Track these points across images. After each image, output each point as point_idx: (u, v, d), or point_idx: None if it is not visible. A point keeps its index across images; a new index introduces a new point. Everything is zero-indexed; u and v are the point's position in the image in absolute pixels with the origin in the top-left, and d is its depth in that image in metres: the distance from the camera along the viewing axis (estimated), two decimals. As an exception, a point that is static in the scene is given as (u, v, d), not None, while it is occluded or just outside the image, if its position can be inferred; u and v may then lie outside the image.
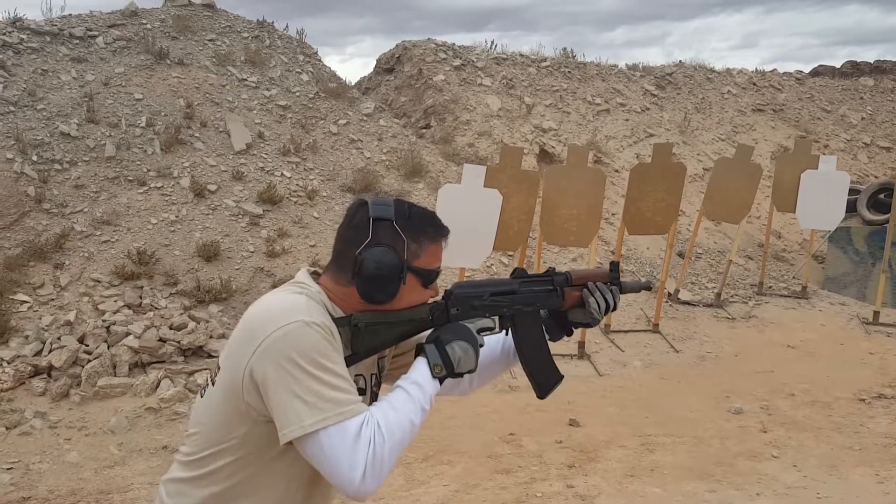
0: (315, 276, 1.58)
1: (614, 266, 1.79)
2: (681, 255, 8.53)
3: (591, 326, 1.79)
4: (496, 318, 1.65)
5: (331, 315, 1.48)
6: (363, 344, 1.49)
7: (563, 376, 1.73)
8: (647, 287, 1.90)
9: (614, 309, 1.77)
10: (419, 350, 1.53)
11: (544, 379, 1.72)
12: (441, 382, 1.50)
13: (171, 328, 5.78)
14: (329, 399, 1.35)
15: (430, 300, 1.59)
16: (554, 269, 1.75)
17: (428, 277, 1.55)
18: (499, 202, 5.94)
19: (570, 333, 1.81)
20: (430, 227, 1.55)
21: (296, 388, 1.34)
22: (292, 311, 1.40)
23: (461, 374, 1.53)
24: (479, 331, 1.59)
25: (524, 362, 1.71)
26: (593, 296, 1.73)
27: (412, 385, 1.46)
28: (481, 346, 1.57)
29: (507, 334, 1.71)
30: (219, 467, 1.48)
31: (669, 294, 7.78)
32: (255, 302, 1.53)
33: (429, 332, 1.58)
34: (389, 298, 1.50)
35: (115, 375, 5.35)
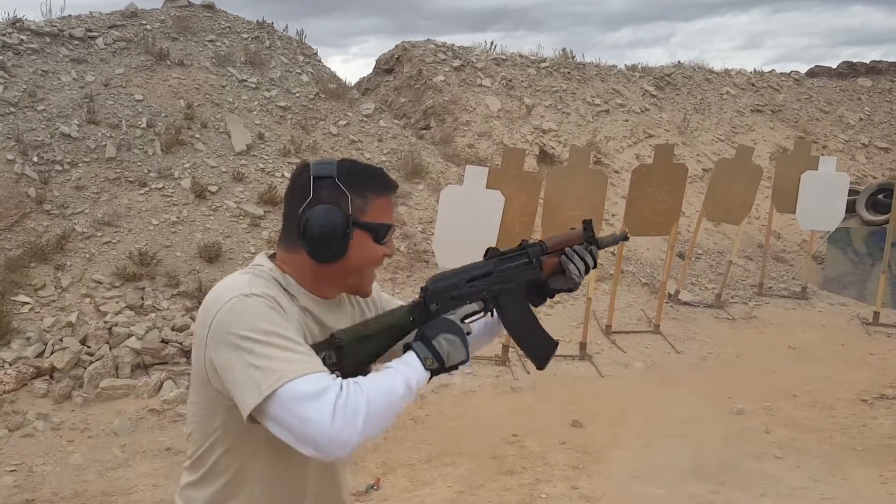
0: (274, 258, 1.56)
1: (588, 224, 1.74)
2: (681, 255, 8.54)
3: (573, 291, 1.76)
4: (480, 302, 1.60)
5: (284, 288, 1.47)
6: (350, 361, 1.45)
7: (557, 342, 1.70)
8: (624, 238, 1.84)
9: (594, 267, 1.75)
10: (407, 349, 1.48)
11: (539, 350, 1.69)
12: (433, 375, 1.45)
13: (173, 329, 5.78)
14: (283, 359, 1.30)
15: (384, 257, 1.54)
16: (527, 240, 1.71)
17: (378, 232, 1.50)
18: (501, 203, 5.95)
19: (551, 296, 1.77)
20: (374, 181, 1.51)
21: (248, 358, 1.30)
22: (231, 289, 1.39)
23: (455, 367, 1.49)
24: (465, 318, 1.55)
25: (517, 340, 1.68)
26: (572, 261, 1.71)
27: (400, 363, 1.41)
28: (469, 333, 1.52)
29: (492, 316, 1.67)
30: (214, 462, 1.48)
31: (670, 295, 7.79)
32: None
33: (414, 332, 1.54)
34: (338, 255, 1.47)
35: (118, 377, 5.34)
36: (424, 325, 1.51)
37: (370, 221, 1.48)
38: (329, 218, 1.44)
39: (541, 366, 1.70)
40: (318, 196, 1.45)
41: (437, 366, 1.44)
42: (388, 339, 1.52)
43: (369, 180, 1.50)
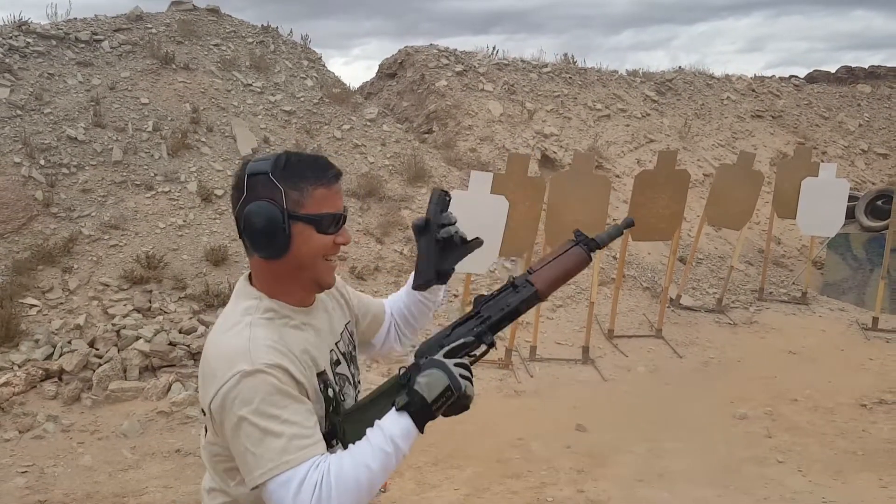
0: (251, 277, 1.58)
1: (579, 235, 1.70)
2: (682, 260, 8.60)
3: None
4: (471, 333, 1.61)
5: (282, 315, 1.50)
6: (352, 434, 1.47)
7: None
8: (630, 223, 1.74)
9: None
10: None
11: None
12: (413, 414, 1.45)
13: (180, 332, 5.83)
14: (275, 449, 1.36)
15: (337, 246, 1.53)
16: (512, 278, 1.69)
17: (320, 223, 1.48)
18: (505, 208, 5.99)
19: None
20: (309, 172, 1.47)
21: (245, 441, 1.38)
22: (234, 359, 1.40)
23: (442, 400, 1.46)
24: (458, 348, 1.55)
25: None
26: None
27: (372, 430, 1.44)
28: (463, 366, 1.52)
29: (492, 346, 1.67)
30: (244, 496, 1.52)
31: (671, 299, 7.85)
32: (208, 337, 1.53)
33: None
34: (280, 251, 1.46)
35: (126, 379, 5.39)
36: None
37: (310, 213, 1.47)
38: (263, 214, 1.44)
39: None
40: (252, 193, 1.46)
41: (418, 406, 1.43)
42: (384, 404, 1.51)
43: (305, 172, 1.47)
